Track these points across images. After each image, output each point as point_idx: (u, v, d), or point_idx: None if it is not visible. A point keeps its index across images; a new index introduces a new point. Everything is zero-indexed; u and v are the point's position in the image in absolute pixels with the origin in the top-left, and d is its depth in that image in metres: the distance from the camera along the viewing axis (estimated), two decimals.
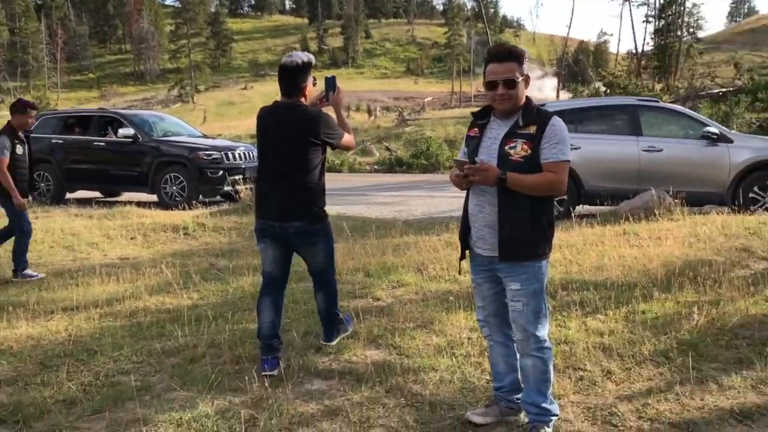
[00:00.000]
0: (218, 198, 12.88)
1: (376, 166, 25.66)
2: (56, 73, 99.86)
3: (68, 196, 13.21)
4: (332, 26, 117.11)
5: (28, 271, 6.85)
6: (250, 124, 42.45)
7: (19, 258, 6.86)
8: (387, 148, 29.65)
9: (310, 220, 3.94)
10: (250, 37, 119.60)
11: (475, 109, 3.25)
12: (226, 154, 12.58)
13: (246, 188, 11.09)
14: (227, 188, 12.39)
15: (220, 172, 12.35)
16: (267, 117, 4.01)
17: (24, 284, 6.47)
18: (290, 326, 4.67)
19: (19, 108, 6.83)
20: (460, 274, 4.84)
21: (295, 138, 3.87)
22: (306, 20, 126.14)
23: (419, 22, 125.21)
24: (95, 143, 12.98)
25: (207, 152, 12.45)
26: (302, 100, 3.96)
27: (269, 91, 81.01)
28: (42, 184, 13.02)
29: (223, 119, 61.61)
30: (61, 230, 9.04)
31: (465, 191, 3.18)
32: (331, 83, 4.15)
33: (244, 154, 12.98)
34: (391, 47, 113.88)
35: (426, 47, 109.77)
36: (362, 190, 15.54)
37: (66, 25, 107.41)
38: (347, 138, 4.07)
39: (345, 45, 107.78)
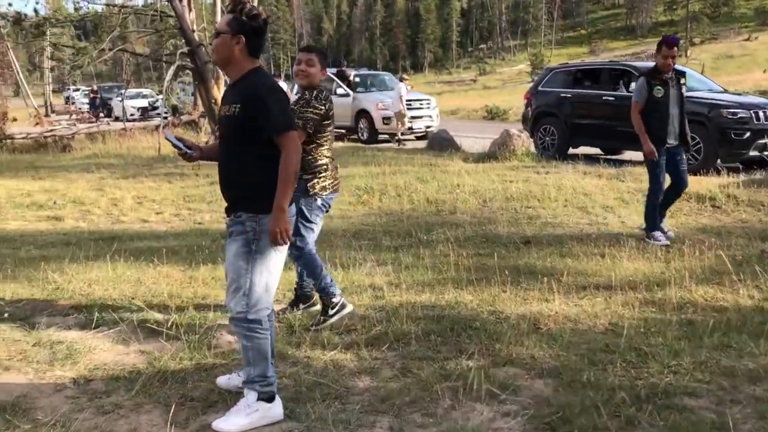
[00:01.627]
0: (737, 164, 10.99)
1: None
2: (551, 31, 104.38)
3: (572, 151, 12.94)
4: None
5: (657, 234, 6.24)
6: (757, 79, 37.35)
7: (650, 215, 6.34)
8: None
9: None
10: None
11: None
12: (756, 113, 10.58)
13: None
14: (753, 153, 10.47)
15: (746, 134, 10.45)
16: None
17: (545, 247, 6.09)
18: None
19: (658, 45, 6.29)
20: None
21: None
22: None
23: None
24: (604, 98, 12.30)
25: (731, 110, 10.64)
26: None
27: None
28: (547, 138, 13.00)
29: (719, 74, 55.80)
30: (573, 189, 8.62)
31: None
32: None
33: None
34: None
35: None
36: None
37: None
38: None
39: None
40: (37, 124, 17.78)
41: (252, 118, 2.92)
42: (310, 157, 4.04)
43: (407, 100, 17.55)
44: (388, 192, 8.77)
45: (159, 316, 4.29)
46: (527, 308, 4.27)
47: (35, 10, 13.11)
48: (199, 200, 9.21)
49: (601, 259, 5.39)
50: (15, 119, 18.16)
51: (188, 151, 3.20)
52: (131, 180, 10.79)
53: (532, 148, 12.33)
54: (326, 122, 4.09)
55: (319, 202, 4.12)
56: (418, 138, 17.97)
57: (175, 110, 22.77)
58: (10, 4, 18.05)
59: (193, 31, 15.62)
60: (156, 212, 8.52)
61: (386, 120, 17.19)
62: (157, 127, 17.09)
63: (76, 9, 13.91)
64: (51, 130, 16.51)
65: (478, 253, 5.90)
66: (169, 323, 4.09)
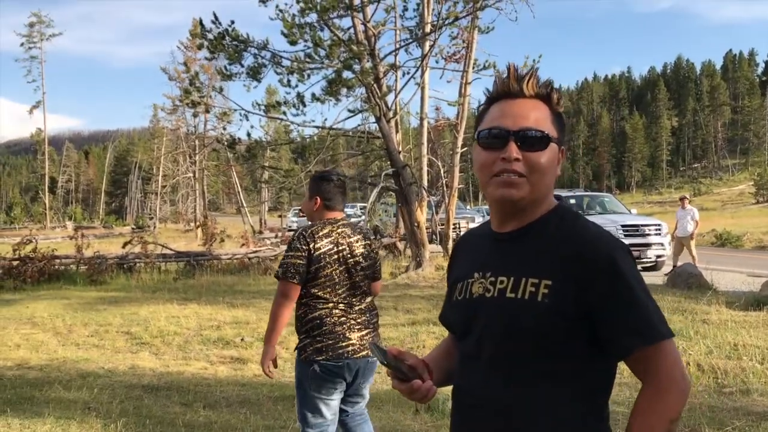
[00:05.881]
0: None
1: None
2: None
3: None
4: None
5: None
6: None
7: None
8: None
9: None
10: None
11: None
12: None
13: None
14: None
15: None
16: None
17: None
18: None
19: None
20: None
21: None
22: None
23: None
24: None
25: None
26: None
27: None
28: None
29: None
30: None
31: None
32: None
33: None
34: None
35: None
36: None
37: None
38: None
39: None
40: (243, 245, 17.92)
41: (584, 314, 1.35)
42: (300, 312, 3.28)
43: (631, 225, 15.40)
44: None
45: None
46: None
47: (248, 134, 13.22)
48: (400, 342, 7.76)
49: None
50: (222, 240, 18.55)
51: (408, 375, 1.50)
52: None
53: None
54: (317, 266, 3.22)
55: (317, 369, 3.16)
56: (645, 269, 15.53)
57: (376, 232, 22.30)
58: (224, 128, 18.97)
59: (399, 152, 14.96)
60: None
61: None
62: None
63: (286, 132, 13.83)
64: (255, 251, 16.39)
65: None
66: None
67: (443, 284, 12.83)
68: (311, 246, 3.21)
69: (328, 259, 3.23)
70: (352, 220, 24.19)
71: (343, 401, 3.40)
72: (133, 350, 7.88)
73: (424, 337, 7.87)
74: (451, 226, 17.52)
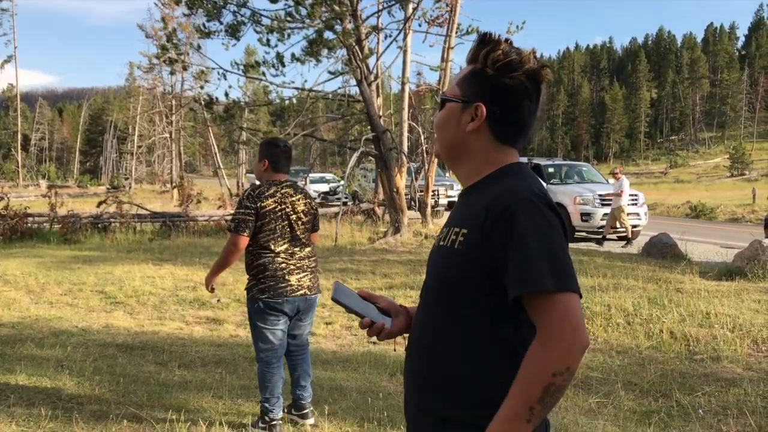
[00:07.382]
0: None
1: None
2: (753, 123, 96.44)
3: None
4: None
5: None
6: None
7: None
8: None
9: None
10: None
11: None
12: None
13: None
14: None
15: None
16: None
17: None
18: None
19: None
20: None
21: None
22: None
23: None
24: None
25: None
26: None
27: None
28: None
29: None
30: None
31: None
32: None
33: None
34: None
35: None
36: None
37: None
38: None
39: None
40: (220, 207, 17.76)
41: (491, 262, 1.41)
42: (248, 258, 3.94)
43: (607, 195, 15.51)
44: (614, 318, 6.78)
45: None
46: None
47: (226, 94, 12.98)
48: None
49: None
50: (199, 201, 18.35)
51: (380, 317, 1.65)
52: None
53: None
54: (262, 221, 3.83)
55: (260, 305, 3.88)
56: (621, 238, 15.69)
57: (354, 197, 22.25)
58: (201, 87, 18.54)
59: (380, 117, 14.83)
60: (325, 322, 7.16)
61: (585, 216, 15.16)
62: (336, 215, 16.32)
63: (265, 93, 13.61)
64: (232, 214, 16.24)
65: None
66: None
67: (421, 249, 12.85)
68: (258, 204, 3.80)
69: (272, 216, 3.83)
70: (331, 185, 24.00)
71: (288, 335, 4.05)
72: (107, 309, 7.81)
73: (401, 300, 7.88)
74: (430, 193, 17.50)
